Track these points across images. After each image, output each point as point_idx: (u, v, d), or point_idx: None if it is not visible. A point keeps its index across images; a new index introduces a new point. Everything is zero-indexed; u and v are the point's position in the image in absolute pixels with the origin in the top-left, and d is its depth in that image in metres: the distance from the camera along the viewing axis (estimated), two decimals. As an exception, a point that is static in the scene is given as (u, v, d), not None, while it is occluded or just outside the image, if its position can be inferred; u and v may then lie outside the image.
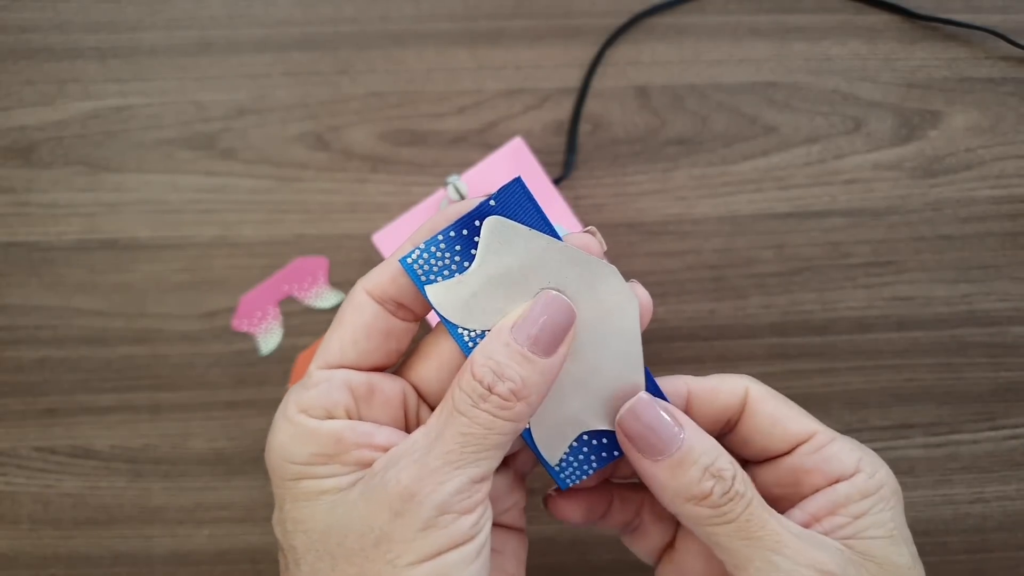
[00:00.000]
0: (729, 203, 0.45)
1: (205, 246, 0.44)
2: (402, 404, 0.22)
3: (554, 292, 0.21)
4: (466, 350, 0.22)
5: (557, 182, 0.43)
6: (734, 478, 0.20)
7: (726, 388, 0.22)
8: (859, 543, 0.20)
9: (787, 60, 0.46)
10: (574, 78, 0.46)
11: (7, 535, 0.43)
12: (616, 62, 0.46)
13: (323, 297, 0.44)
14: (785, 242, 0.45)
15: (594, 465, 0.23)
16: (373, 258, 0.44)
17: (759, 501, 0.20)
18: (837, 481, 0.21)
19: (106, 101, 0.45)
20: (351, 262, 0.44)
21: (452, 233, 0.21)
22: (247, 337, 0.44)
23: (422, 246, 0.21)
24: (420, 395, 0.23)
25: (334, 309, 0.44)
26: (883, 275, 0.45)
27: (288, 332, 0.44)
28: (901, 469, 0.45)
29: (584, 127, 0.45)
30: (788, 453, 0.22)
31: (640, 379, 0.21)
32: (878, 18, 0.47)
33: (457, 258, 0.21)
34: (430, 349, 0.23)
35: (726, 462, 0.20)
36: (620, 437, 0.21)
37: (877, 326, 0.45)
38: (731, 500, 0.19)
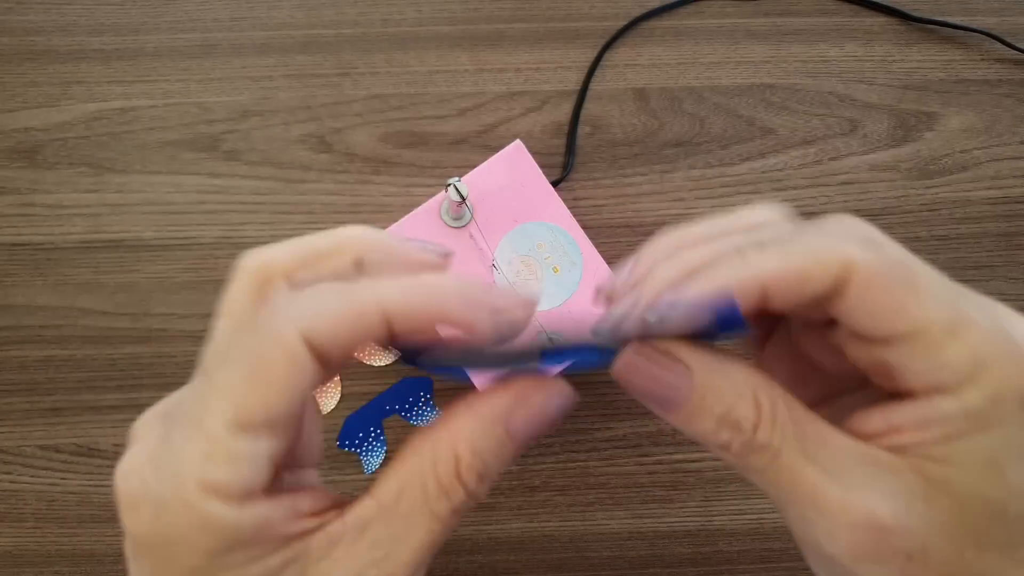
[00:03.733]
0: (727, 204, 0.45)
1: (209, 247, 0.45)
2: (297, 415, 0.17)
3: (553, 388, 0.18)
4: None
5: (556, 183, 0.44)
6: (756, 428, 0.16)
7: (817, 274, 0.16)
8: (940, 469, 0.15)
9: (784, 62, 0.47)
10: (573, 81, 0.46)
11: (12, 533, 0.44)
12: (615, 65, 0.46)
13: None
14: (782, 243, 0.45)
15: None
16: (375, 258, 0.45)
17: (792, 444, 0.16)
18: (939, 391, 0.16)
19: (110, 103, 0.45)
20: (353, 262, 0.45)
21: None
22: (250, 337, 0.45)
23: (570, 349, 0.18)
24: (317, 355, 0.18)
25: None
26: (879, 275, 0.45)
27: (290, 332, 0.45)
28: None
29: (583, 129, 0.46)
30: (890, 345, 0.16)
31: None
32: (874, 21, 0.47)
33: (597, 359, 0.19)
34: (349, 312, 0.17)
35: (746, 409, 0.16)
36: (628, 389, 0.18)
37: (873, 326, 0.45)
38: (753, 452, 0.16)
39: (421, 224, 0.39)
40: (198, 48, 0.46)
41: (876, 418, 0.16)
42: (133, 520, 0.16)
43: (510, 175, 0.39)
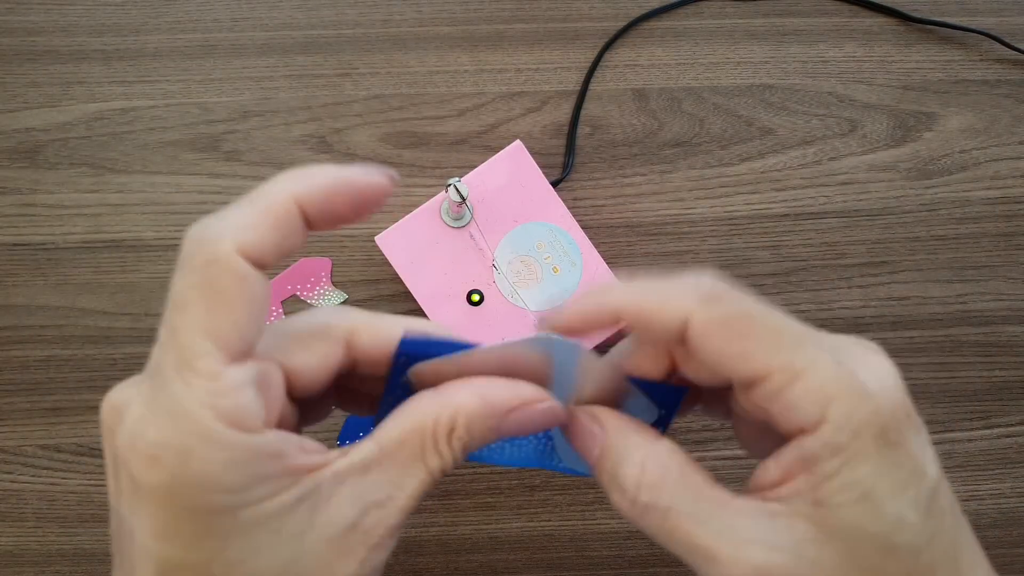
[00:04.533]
0: (726, 204, 0.46)
1: (209, 247, 0.45)
2: (282, 395, 0.19)
3: (549, 407, 0.19)
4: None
5: (556, 184, 0.44)
6: (638, 487, 0.18)
7: (658, 320, 0.18)
8: (827, 513, 0.16)
9: (783, 63, 0.47)
10: (573, 81, 0.46)
11: (13, 532, 0.44)
12: (614, 65, 0.46)
13: (326, 297, 0.45)
14: (781, 243, 0.46)
15: None
16: (375, 258, 0.45)
17: (684, 507, 0.17)
18: (803, 431, 0.16)
19: (111, 103, 0.45)
20: (354, 262, 0.45)
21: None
22: (250, 336, 0.45)
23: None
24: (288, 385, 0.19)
25: (336, 309, 0.45)
26: (878, 275, 0.46)
27: (291, 331, 0.45)
28: (896, 467, 0.45)
29: (583, 129, 0.46)
30: (752, 387, 0.17)
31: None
32: (874, 21, 0.47)
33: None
34: (312, 337, 0.19)
35: (630, 467, 0.18)
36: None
37: (872, 326, 0.45)
38: (643, 513, 0.18)
39: (421, 224, 0.39)
40: (199, 48, 0.46)
41: (771, 467, 0.17)
42: (153, 473, 0.16)
43: (510, 175, 0.39)
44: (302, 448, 0.18)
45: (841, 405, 0.16)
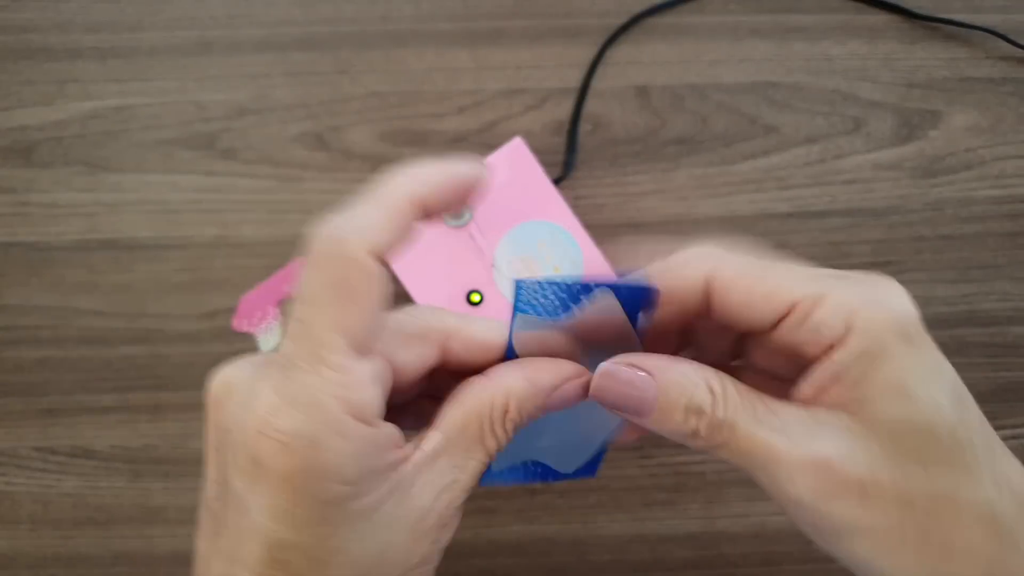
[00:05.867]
0: (729, 203, 0.45)
1: (205, 246, 0.44)
2: (390, 388, 0.20)
3: (587, 380, 0.21)
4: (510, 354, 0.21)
5: (557, 182, 0.43)
6: (713, 406, 0.19)
7: (682, 285, 0.20)
8: (866, 410, 0.17)
9: (787, 60, 0.46)
10: (574, 78, 0.46)
11: (7, 535, 0.43)
12: (616, 62, 0.46)
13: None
14: (785, 242, 0.45)
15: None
16: (373, 258, 0.44)
17: (745, 416, 0.18)
18: (832, 349, 0.18)
19: (106, 101, 0.45)
20: (351, 262, 0.44)
21: (569, 285, 0.20)
22: (247, 337, 0.44)
23: (541, 281, 0.20)
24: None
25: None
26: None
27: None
28: (901, 469, 0.45)
29: (584, 127, 0.46)
30: (778, 325, 0.19)
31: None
32: (878, 18, 0.47)
33: (557, 304, 0.20)
34: (413, 338, 0.21)
35: (703, 392, 0.19)
36: (607, 409, 0.20)
37: (877, 326, 0.45)
38: (716, 429, 0.19)
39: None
40: (194, 46, 0.45)
41: (805, 388, 0.19)
42: (282, 458, 0.17)
43: (510, 173, 0.39)
44: (397, 442, 0.19)
45: (864, 313, 0.18)
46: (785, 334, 0.19)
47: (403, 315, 0.21)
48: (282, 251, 0.44)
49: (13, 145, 0.45)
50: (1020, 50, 0.46)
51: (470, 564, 0.44)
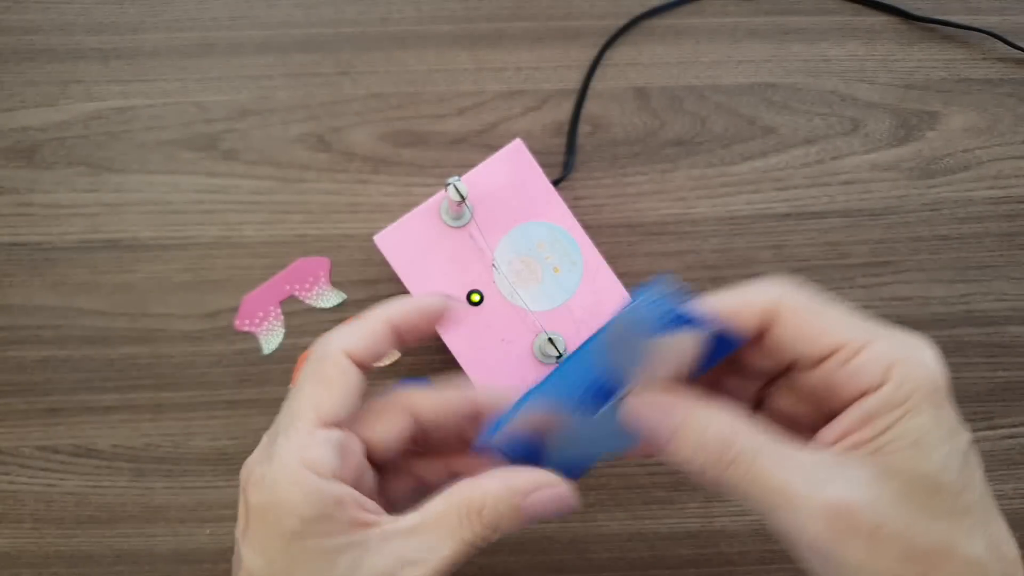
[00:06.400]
0: (728, 204, 0.45)
1: (207, 246, 0.45)
2: (361, 462, 0.24)
3: (562, 491, 0.24)
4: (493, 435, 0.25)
5: (556, 183, 0.43)
6: (724, 445, 0.20)
7: (748, 306, 0.22)
8: (885, 458, 0.19)
9: (785, 61, 0.46)
10: (574, 79, 0.46)
11: (10, 534, 0.44)
12: (615, 63, 0.46)
13: (324, 297, 0.45)
14: (783, 242, 0.45)
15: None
16: (374, 258, 0.44)
17: (765, 456, 0.20)
18: (866, 393, 0.20)
19: (108, 102, 0.45)
20: (352, 262, 0.45)
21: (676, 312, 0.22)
22: (249, 337, 0.44)
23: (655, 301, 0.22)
24: (368, 451, 0.25)
25: (336, 309, 0.45)
26: (881, 275, 0.45)
27: (290, 332, 0.45)
28: (899, 468, 0.45)
29: (583, 128, 0.46)
30: (821, 363, 0.21)
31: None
32: (876, 20, 0.47)
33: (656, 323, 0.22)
34: (384, 412, 0.26)
35: (714, 431, 0.21)
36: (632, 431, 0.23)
37: (875, 326, 0.45)
38: (732, 465, 0.20)
39: (420, 223, 0.39)
40: (196, 47, 0.46)
41: (829, 431, 0.21)
42: (254, 496, 0.22)
43: (510, 174, 0.39)
44: (362, 506, 0.22)
45: (902, 367, 0.20)
46: (826, 372, 0.21)
47: (379, 397, 0.26)
48: (284, 251, 0.45)
49: (16, 146, 0.45)
50: (1017, 51, 0.47)
51: (470, 562, 0.44)
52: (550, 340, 0.38)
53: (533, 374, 0.39)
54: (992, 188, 0.46)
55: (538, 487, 0.23)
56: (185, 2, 0.46)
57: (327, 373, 0.24)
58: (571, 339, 0.38)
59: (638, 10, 0.46)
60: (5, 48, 0.45)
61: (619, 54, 0.46)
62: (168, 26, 0.46)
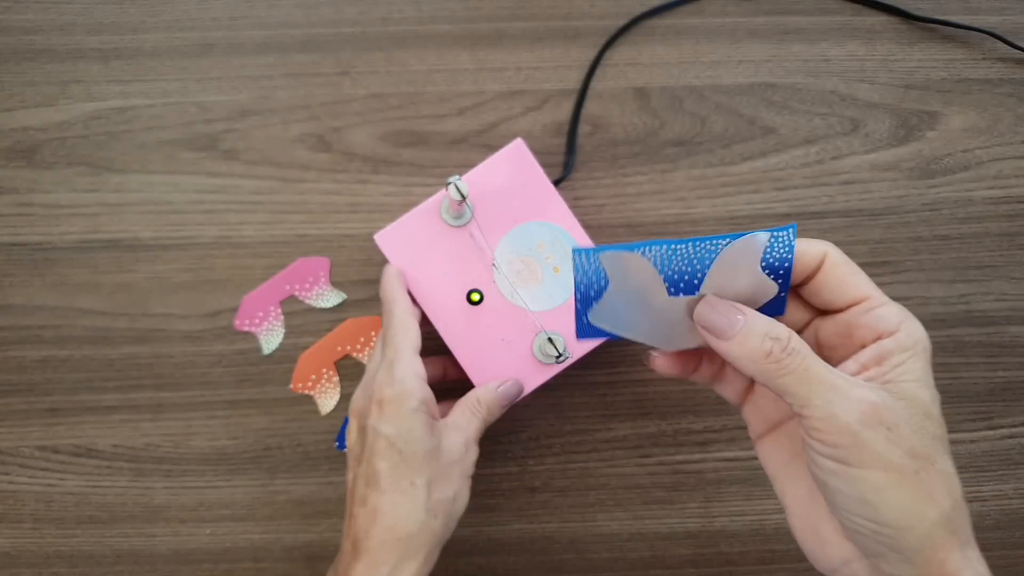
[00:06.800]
0: (728, 203, 0.45)
1: (207, 246, 0.45)
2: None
3: (517, 384, 0.38)
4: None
5: (557, 183, 0.43)
6: (789, 338, 0.25)
7: (806, 253, 0.27)
8: (895, 386, 0.25)
9: (785, 61, 0.46)
10: (574, 79, 0.46)
11: (10, 534, 0.44)
12: (615, 63, 0.46)
13: (324, 297, 0.45)
14: (783, 242, 0.45)
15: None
16: (374, 258, 0.44)
17: (813, 356, 0.25)
18: (881, 337, 0.26)
19: (108, 102, 0.45)
20: (352, 262, 0.45)
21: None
22: (249, 337, 0.44)
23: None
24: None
25: (336, 309, 0.45)
26: (880, 275, 0.45)
27: (290, 332, 0.45)
28: (899, 468, 0.45)
29: (583, 128, 0.46)
30: (847, 309, 0.27)
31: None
32: (876, 20, 0.47)
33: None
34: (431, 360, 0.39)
35: (781, 329, 0.25)
36: (699, 328, 0.27)
37: (875, 326, 0.45)
38: (789, 355, 0.25)
39: (421, 223, 0.39)
40: (196, 47, 0.46)
41: (850, 365, 0.26)
42: (388, 391, 0.34)
43: (511, 174, 0.39)
44: (434, 401, 0.35)
45: (909, 324, 0.26)
46: (851, 315, 0.26)
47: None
48: (284, 251, 0.45)
49: (16, 146, 0.45)
50: (1017, 52, 0.47)
51: (470, 562, 0.44)
52: (550, 340, 0.38)
53: (533, 373, 0.39)
54: (992, 188, 0.46)
55: (503, 383, 0.38)
56: (185, 2, 0.46)
57: (405, 321, 0.35)
58: (571, 339, 0.38)
59: (638, 10, 0.46)
60: (5, 48, 0.45)
61: (619, 54, 0.46)
62: (168, 26, 0.46)
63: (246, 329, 0.44)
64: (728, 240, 0.26)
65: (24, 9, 0.46)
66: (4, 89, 0.45)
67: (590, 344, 0.39)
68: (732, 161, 0.46)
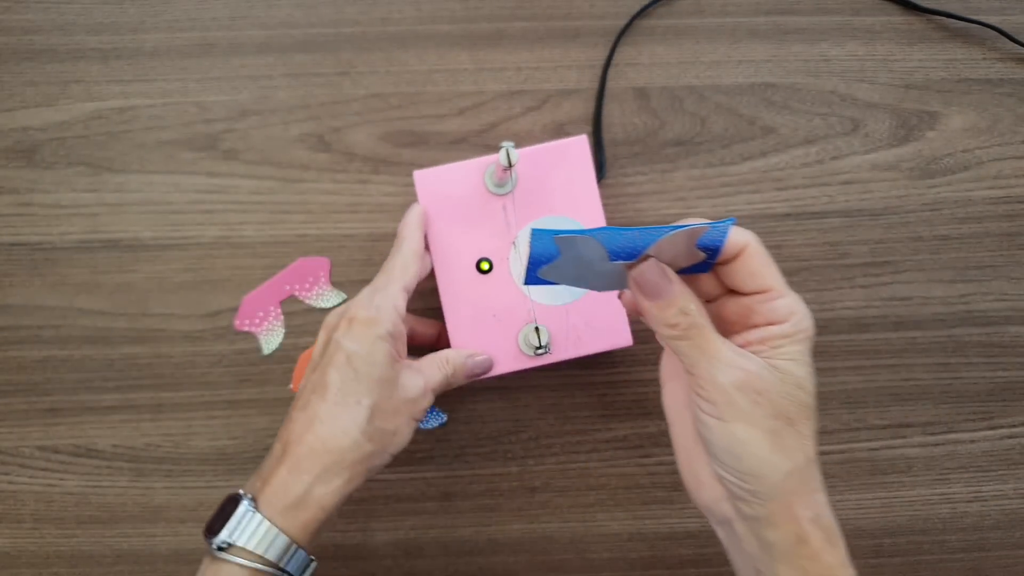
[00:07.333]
0: (728, 203, 0.45)
1: (207, 246, 0.45)
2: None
3: (486, 359, 0.40)
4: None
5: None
6: (696, 313, 0.29)
7: (731, 241, 0.30)
8: (773, 361, 0.29)
9: (785, 61, 0.46)
10: (573, 79, 0.46)
11: (10, 534, 0.44)
12: (615, 63, 0.46)
13: (324, 297, 0.45)
14: (783, 242, 0.45)
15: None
16: (374, 258, 0.44)
17: (711, 329, 0.29)
18: (771, 324, 0.29)
19: (108, 102, 0.45)
20: (352, 262, 0.45)
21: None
22: (249, 337, 0.44)
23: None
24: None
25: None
26: (881, 275, 0.45)
27: (290, 332, 0.45)
28: (899, 468, 0.45)
29: (584, 128, 0.46)
30: (751, 295, 0.30)
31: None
32: (876, 19, 0.47)
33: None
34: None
35: (693, 305, 0.29)
36: (632, 286, 0.30)
37: (874, 326, 0.45)
38: (691, 327, 0.29)
39: (463, 176, 0.39)
40: (196, 47, 0.46)
41: (739, 339, 0.30)
42: (363, 312, 0.35)
43: (563, 165, 0.39)
44: (404, 334, 0.37)
45: (798, 316, 0.29)
46: (753, 301, 0.30)
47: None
48: (284, 251, 0.45)
49: (16, 146, 0.45)
50: (1018, 50, 0.47)
51: (470, 562, 0.44)
52: (536, 329, 0.38)
53: (509, 359, 0.39)
54: (992, 188, 0.46)
55: (477, 355, 0.39)
56: (185, 2, 0.46)
57: (408, 260, 0.37)
58: (558, 340, 0.39)
59: (637, 8, 0.46)
60: (5, 48, 0.45)
61: (619, 54, 0.46)
62: (168, 26, 0.46)
63: (246, 329, 0.44)
64: (671, 230, 0.28)
65: (24, 9, 0.46)
66: (4, 89, 0.45)
67: (573, 350, 0.39)
68: (732, 161, 0.46)
